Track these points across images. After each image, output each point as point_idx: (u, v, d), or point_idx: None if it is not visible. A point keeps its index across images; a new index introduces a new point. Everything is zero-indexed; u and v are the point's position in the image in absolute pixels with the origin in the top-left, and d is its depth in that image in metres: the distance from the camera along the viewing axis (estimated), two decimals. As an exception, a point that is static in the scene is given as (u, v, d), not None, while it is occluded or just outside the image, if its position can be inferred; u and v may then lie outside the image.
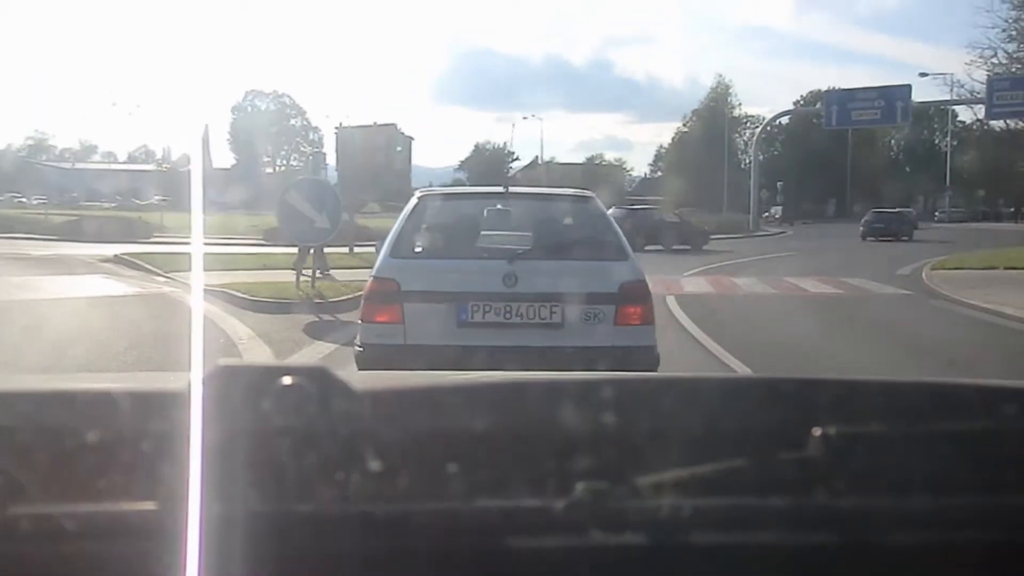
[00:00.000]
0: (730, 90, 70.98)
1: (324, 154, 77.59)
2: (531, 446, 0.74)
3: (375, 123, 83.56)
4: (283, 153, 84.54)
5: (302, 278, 10.35)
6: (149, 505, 0.66)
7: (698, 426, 0.77)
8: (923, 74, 43.50)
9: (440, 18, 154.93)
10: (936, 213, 55.68)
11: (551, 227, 4.83)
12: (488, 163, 77.92)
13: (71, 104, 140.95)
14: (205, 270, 13.22)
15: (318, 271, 12.64)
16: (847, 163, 64.13)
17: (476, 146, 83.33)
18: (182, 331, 7.93)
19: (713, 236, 33.70)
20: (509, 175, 75.96)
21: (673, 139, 75.65)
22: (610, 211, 18.44)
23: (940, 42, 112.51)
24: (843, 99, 35.56)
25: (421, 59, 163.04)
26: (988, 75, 31.18)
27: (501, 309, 4.19)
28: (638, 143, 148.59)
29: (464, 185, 67.28)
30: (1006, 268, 14.63)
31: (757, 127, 71.00)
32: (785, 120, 57.15)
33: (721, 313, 10.19)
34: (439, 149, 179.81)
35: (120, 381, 1.26)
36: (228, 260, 13.65)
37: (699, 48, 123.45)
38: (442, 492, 0.70)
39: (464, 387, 0.87)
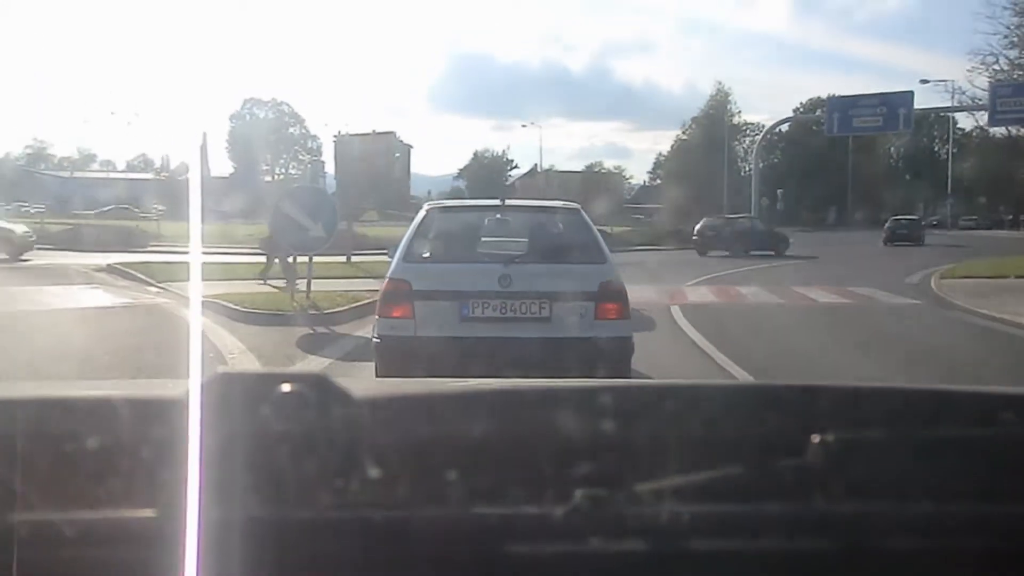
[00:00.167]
0: (729, 97, 71.00)
1: (323, 162, 77.90)
2: (530, 453, 0.74)
3: (374, 131, 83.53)
4: (282, 161, 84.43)
5: (297, 289, 10.01)
6: (149, 512, 0.66)
7: (697, 433, 0.76)
8: (924, 81, 43.04)
9: (438, 26, 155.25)
10: (960, 220, 55.24)
11: (541, 234, 5.45)
12: (487, 171, 77.82)
13: (70, 113, 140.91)
14: (204, 280, 12.97)
15: (284, 281, 12.34)
16: (847, 170, 63.98)
17: (475, 154, 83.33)
18: (170, 345, 7.63)
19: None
20: (508, 183, 75.97)
21: (673, 146, 75.61)
22: (705, 221, 22.13)
23: (939, 50, 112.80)
24: (845, 106, 35.27)
25: (419, 67, 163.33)
26: (990, 81, 31.03)
27: (498, 305, 4.78)
28: (637, 151, 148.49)
29: (463, 193, 67.73)
30: (1017, 277, 14.32)
31: (757, 134, 71.26)
32: (785, 127, 56.77)
33: (729, 325, 9.89)
34: (438, 157, 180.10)
35: (119, 388, 1.24)
36: (224, 270, 13.35)
37: (697, 56, 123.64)
38: (441, 498, 0.70)
39: (463, 394, 0.86)
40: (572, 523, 0.68)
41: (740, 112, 72.01)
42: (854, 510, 0.71)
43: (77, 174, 75.53)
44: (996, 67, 31.39)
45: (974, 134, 57.54)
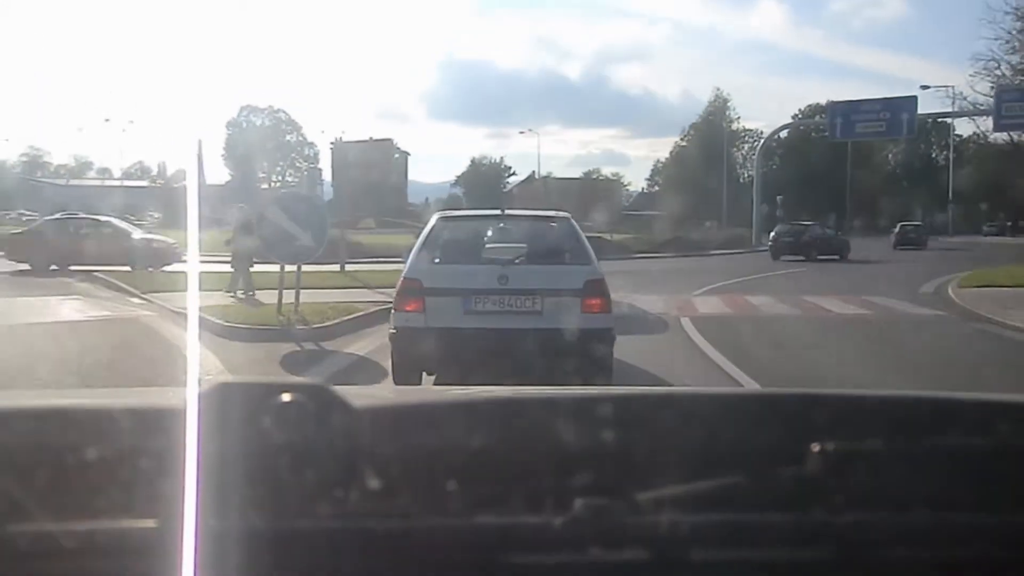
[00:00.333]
0: (728, 103, 70.67)
1: (320, 170, 77.44)
2: (530, 462, 0.74)
3: (371, 138, 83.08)
4: (279, 169, 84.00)
5: (285, 301, 9.37)
6: (148, 522, 0.66)
7: (697, 441, 0.76)
8: (924, 87, 42.91)
9: (435, 34, 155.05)
10: (985, 227, 54.68)
11: (536, 240, 6.09)
12: (484, 178, 77.36)
13: (66, 120, 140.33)
14: (181, 289, 12.36)
15: (240, 292, 11.80)
16: (846, 177, 63.57)
17: (472, 161, 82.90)
18: (142, 364, 7.02)
19: (716, 251, 33.22)
20: (506, 190, 75.61)
21: (671, 153, 75.25)
22: (778, 228, 24.16)
23: (937, 58, 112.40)
24: (848, 111, 34.80)
25: (417, 75, 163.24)
26: (992, 87, 30.65)
27: (496, 301, 5.44)
28: (634, 158, 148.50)
29: (461, 200, 67.43)
30: (1038, 285, 13.73)
31: (755, 141, 70.87)
32: (783, 134, 56.33)
33: (746, 338, 9.30)
34: (435, 164, 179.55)
35: (119, 397, 1.17)
36: (216, 279, 12.73)
37: (694, 64, 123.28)
38: (441, 508, 0.70)
39: (463, 403, 0.85)
40: (572, 532, 0.67)
41: (739, 118, 71.77)
42: (854, 519, 0.71)
43: (73, 182, 75.22)
44: (998, 72, 31.05)
45: (970, 141, 57.27)
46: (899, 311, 11.96)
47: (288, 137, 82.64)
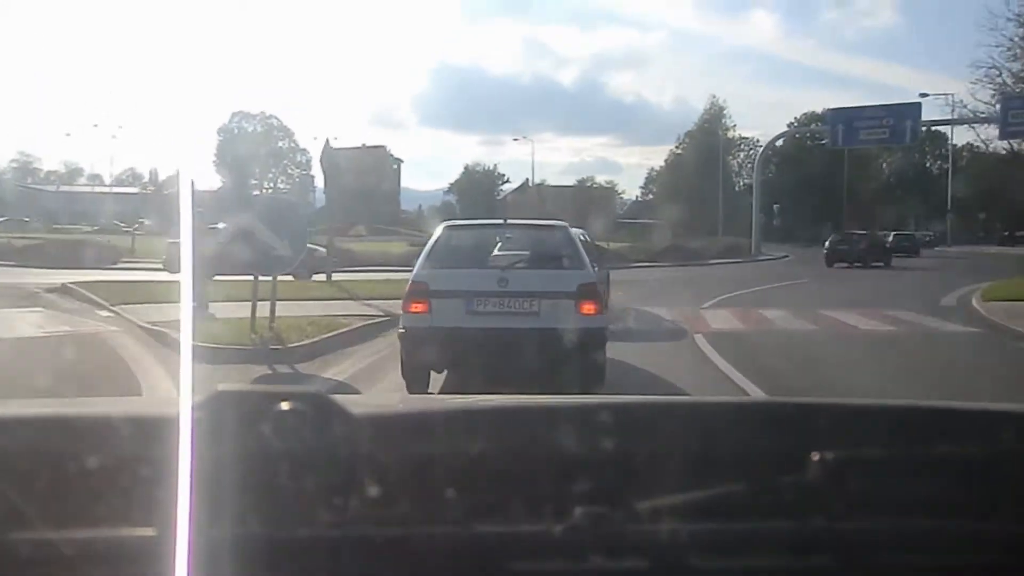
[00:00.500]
0: (724, 111, 70.13)
1: (312, 176, 76.66)
2: (529, 470, 0.74)
3: (364, 145, 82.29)
4: (271, 175, 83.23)
5: (259, 316, 8.44)
6: (148, 530, 0.66)
7: (696, 450, 0.76)
8: (924, 94, 41.99)
9: (428, 42, 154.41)
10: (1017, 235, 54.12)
11: (536, 246, 6.48)
12: (478, 185, 76.68)
13: (56, 127, 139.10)
14: (157, 301, 11.44)
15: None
16: (843, 186, 62.99)
17: (466, 168, 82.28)
18: (84, 391, 6.11)
19: (715, 260, 32.52)
20: (499, 198, 74.88)
21: (667, 161, 74.67)
22: (833, 237, 25.26)
23: (932, 67, 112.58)
24: (850, 117, 34.10)
25: (410, 82, 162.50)
26: (994, 93, 30.15)
27: (497, 302, 5.78)
28: (627, 166, 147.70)
29: (454, 207, 66.84)
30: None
31: (751, 150, 70.38)
32: (779, 143, 55.62)
33: (771, 359, 8.43)
34: (429, 172, 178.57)
35: (119, 406, 1.15)
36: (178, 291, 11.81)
37: (688, 72, 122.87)
38: (441, 516, 0.70)
39: (462, 411, 0.85)
40: (571, 540, 0.67)
41: (735, 126, 71.25)
42: (854, 527, 0.70)
43: (64, 188, 74.39)
44: (1000, 80, 30.48)
45: (964, 151, 56.76)
46: (929, 327, 11.06)
47: (280, 143, 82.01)
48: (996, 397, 6.80)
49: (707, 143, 62.25)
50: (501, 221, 7.10)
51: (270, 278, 8.39)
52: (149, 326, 9.39)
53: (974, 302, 13.41)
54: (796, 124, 64.05)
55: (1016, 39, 29.33)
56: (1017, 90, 30.14)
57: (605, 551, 0.67)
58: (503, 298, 5.80)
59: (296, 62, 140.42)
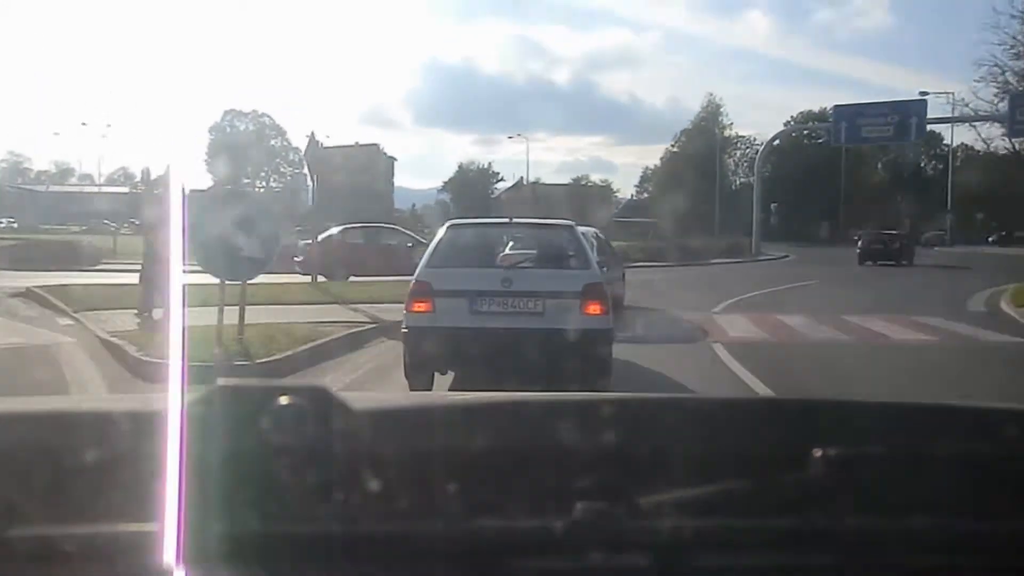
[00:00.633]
0: (721, 109, 69.36)
1: (305, 175, 75.63)
2: (531, 465, 0.73)
3: (357, 143, 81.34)
4: (263, 174, 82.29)
5: (225, 325, 7.45)
6: (147, 526, 0.65)
7: (699, 446, 0.76)
8: (924, 93, 41.15)
9: (422, 40, 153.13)
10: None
11: (542, 245, 6.45)
12: (472, 184, 75.79)
13: (47, 126, 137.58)
14: (125, 307, 10.46)
15: (147, 313, 9.69)
16: (840, 185, 62.20)
17: (460, 167, 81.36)
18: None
19: (717, 260, 31.69)
20: (493, 196, 73.98)
21: (663, 159, 73.89)
22: (866, 237, 24.82)
23: (928, 68, 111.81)
24: (853, 114, 33.17)
25: (403, 80, 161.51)
26: (997, 92, 29.49)
27: (500, 302, 5.78)
28: (621, 165, 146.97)
29: (448, 206, 66.03)
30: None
31: (747, 148, 69.67)
32: (776, 142, 54.65)
33: (804, 375, 7.50)
34: (422, 170, 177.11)
35: (118, 402, 1.12)
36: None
37: (682, 71, 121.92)
38: (442, 511, 0.70)
39: (463, 406, 0.84)
40: (573, 536, 0.67)
41: (732, 124, 70.46)
42: (856, 525, 0.70)
43: (54, 188, 73.48)
44: (1003, 78, 29.79)
45: (959, 151, 56.09)
46: (968, 336, 10.13)
47: (273, 142, 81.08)
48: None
49: (704, 141, 61.44)
50: (507, 220, 6.79)
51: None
52: (108, 338, 8.39)
53: (1004, 307, 12.52)
54: (793, 123, 63.26)
55: (1020, 36, 28.64)
56: (1021, 88, 29.44)
57: (606, 547, 0.66)
58: (507, 298, 5.70)
59: (289, 61, 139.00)
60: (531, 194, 65.35)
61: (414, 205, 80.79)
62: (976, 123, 34.91)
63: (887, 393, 6.90)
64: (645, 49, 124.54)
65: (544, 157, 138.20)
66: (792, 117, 67.56)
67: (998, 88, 30.21)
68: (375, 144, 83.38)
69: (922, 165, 70.71)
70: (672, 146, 71.90)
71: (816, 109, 65.71)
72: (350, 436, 0.69)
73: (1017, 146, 34.61)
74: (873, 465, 0.74)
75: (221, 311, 7.35)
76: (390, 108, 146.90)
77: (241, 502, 0.65)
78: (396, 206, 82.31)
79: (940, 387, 6.86)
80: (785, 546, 0.70)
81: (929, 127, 35.28)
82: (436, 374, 6.08)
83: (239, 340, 7.30)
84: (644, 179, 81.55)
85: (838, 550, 0.70)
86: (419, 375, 5.86)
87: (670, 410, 0.85)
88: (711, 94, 71.50)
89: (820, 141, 62.66)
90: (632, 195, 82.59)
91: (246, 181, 77.28)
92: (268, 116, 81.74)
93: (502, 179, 79.53)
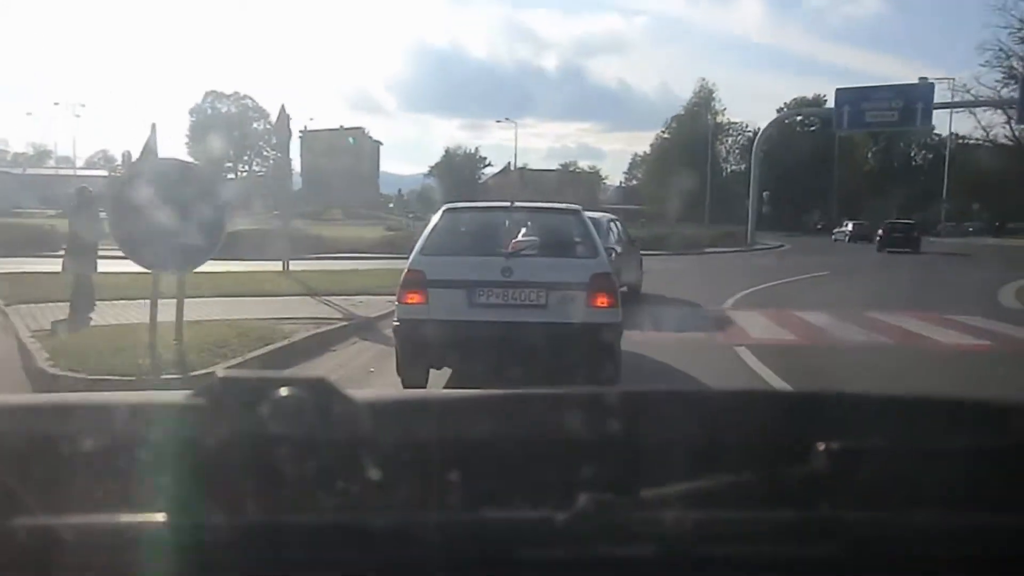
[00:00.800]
0: (713, 95, 68.19)
1: (290, 159, 73.98)
2: (534, 457, 0.74)
3: (342, 127, 79.81)
4: (246, 158, 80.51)
5: (159, 330, 6.17)
6: (148, 516, 0.66)
7: (703, 439, 0.77)
8: (923, 78, 40.03)
9: (409, 23, 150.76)
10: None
11: (546, 232, 5.89)
12: (459, 169, 74.44)
13: (19, 106, 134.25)
14: (65, 300, 9.17)
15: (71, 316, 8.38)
16: (833, 173, 61.25)
17: (446, 151, 79.99)
18: None
19: (712, 249, 30.64)
20: (480, 181, 72.66)
21: (653, 145, 72.82)
22: (886, 225, 24.45)
23: (923, 57, 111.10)
24: (857, 98, 31.98)
25: (390, 64, 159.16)
26: (1002, 77, 28.44)
27: (500, 293, 5.33)
28: (610, 152, 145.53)
29: (435, 191, 64.61)
30: None
31: (739, 135, 68.56)
32: (776, 123, 53.51)
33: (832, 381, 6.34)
34: (409, 155, 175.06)
35: (118, 396, 1.07)
36: (109, 288, 9.58)
37: (672, 58, 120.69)
38: (444, 503, 0.70)
39: (466, 398, 0.85)
40: (577, 528, 0.67)
41: (725, 110, 69.34)
42: (860, 518, 0.69)
43: (31, 171, 71.52)
44: (1008, 64, 28.85)
45: (950, 141, 55.23)
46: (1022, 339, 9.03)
47: (255, 125, 79.10)
48: None
49: (695, 127, 60.26)
50: (508, 204, 6.13)
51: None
52: (29, 339, 7.09)
53: (1044, 304, 11.43)
54: (786, 109, 62.13)
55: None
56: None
57: (611, 539, 0.66)
58: (508, 288, 5.31)
59: (272, 42, 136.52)
60: (519, 179, 64.08)
61: (400, 190, 79.43)
62: (977, 110, 33.94)
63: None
64: (635, 35, 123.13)
65: (532, 143, 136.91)
66: (785, 104, 66.55)
67: (1003, 73, 29.36)
68: (360, 127, 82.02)
69: (912, 155, 69.92)
70: (663, 132, 70.83)
71: (810, 95, 65.02)
72: (351, 426, 0.69)
73: (1018, 133, 33.76)
74: (878, 457, 0.73)
75: (154, 308, 6.07)
76: (376, 92, 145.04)
77: (242, 492, 0.65)
78: (382, 191, 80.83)
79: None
80: (789, 538, 0.68)
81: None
82: (432, 372, 5.59)
83: (177, 343, 6.02)
84: (633, 166, 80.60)
85: (843, 542, 0.68)
86: (413, 373, 5.39)
87: (675, 403, 0.85)
88: (704, 79, 70.30)
89: (813, 128, 62.04)
90: (621, 182, 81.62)
91: (228, 164, 75.54)
92: (250, 98, 79.95)
93: (489, 164, 78.34)
